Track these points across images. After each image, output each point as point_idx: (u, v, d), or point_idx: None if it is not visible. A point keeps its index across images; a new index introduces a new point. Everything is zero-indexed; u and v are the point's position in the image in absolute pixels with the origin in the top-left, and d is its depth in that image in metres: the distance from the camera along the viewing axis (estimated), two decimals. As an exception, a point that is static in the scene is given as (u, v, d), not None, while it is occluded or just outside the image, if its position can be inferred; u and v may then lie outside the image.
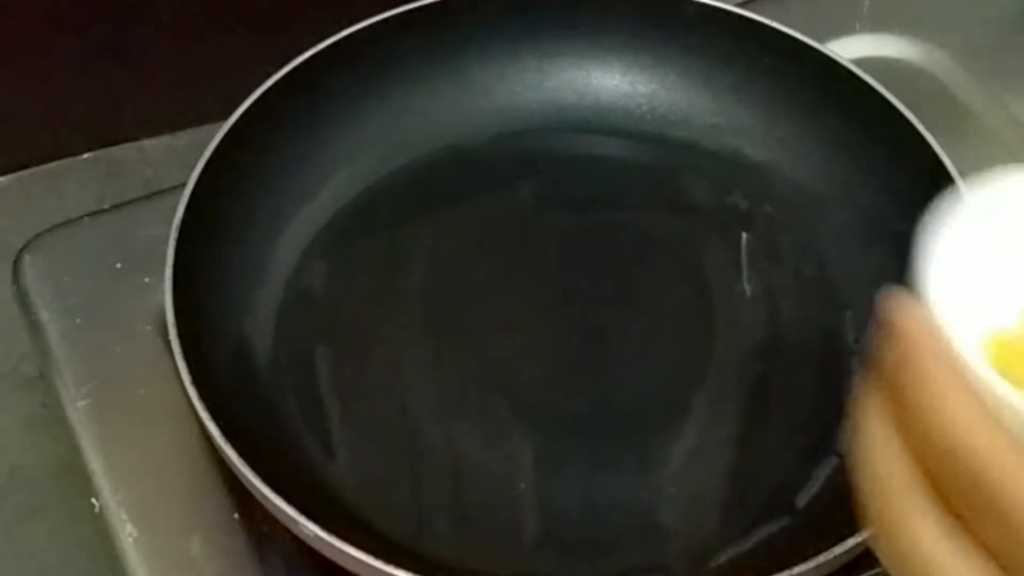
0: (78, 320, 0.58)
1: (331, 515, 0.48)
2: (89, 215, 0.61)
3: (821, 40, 0.61)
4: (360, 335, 0.57)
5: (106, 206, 0.62)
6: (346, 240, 0.60)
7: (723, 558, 0.51)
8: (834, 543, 0.46)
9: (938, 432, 0.31)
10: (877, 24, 0.71)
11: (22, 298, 0.59)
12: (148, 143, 0.68)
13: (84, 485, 0.54)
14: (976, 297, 0.34)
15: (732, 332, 0.57)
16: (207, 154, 0.56)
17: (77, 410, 0.55)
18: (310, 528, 0.46)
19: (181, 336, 0.50)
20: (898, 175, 0.58)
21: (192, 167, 0.55)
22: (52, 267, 0.59)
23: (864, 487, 0.33)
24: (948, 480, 0.31)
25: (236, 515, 0.53)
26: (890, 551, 0.32)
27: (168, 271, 0.52)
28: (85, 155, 0.68)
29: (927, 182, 0.56)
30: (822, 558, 0.46)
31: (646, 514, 0.52)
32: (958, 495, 0.31)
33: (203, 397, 0.49)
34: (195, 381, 0.49)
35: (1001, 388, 0.31)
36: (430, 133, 0.63)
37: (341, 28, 0.60)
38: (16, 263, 0.60)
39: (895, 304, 0.33)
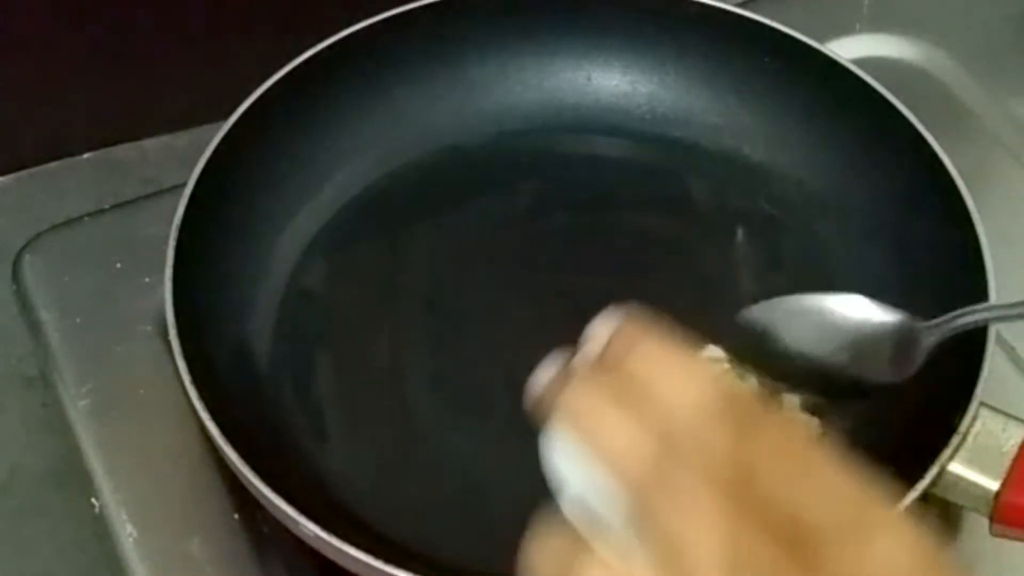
0: (78, 320, 0.58)
1: (331, 515, 0.48)
2: (89, 215, 0.61)
3: (821, 40, 0.61)
4: (360, 335, 0.57)
5: (106, 206, 0.63)
6: (346, 240, 0.60)
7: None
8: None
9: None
10: (877, 24, 0.71)
11: (22, 298, 0.59)
12: (148, 143, 0.68)
13: (84, 485, 0.54)
14: None
15: (732, 332, 0.57)
16: (207, 154, 0.56)
17: (77, 410, 0.55)
18: (310, 528, 0.46)
19: (181, 336, 0.50)
20: (898, 175, 0.58)
21: (192, 167, 0.55)
22: (52, 267, 0.59)
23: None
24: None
25: (236, 515, 0.53)
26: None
27: (168, 271, 0.52)
28: (85, 155, 0.68)
29: (927, 182, 0.56)
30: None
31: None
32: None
33: (203, 397, 0.49)
34: (195, 381, 0.49)
35: None
36: (430, 133, 0.63)
37: (341, 28, 0.60)
38: (16, 263, 0.60)
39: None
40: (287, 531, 0.48)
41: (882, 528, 0.32)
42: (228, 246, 0.56)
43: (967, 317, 0.49)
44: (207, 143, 0.56)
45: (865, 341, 0.50)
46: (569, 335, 0.58)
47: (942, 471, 0.48)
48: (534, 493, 0.53)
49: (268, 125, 0.58)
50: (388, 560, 0.45)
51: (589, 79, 0.64)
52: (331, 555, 0.47)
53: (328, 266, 0.59)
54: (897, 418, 0.53)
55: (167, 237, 0.53)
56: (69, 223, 0.61)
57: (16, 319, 0.59)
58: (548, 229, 0.61)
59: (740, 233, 0.61)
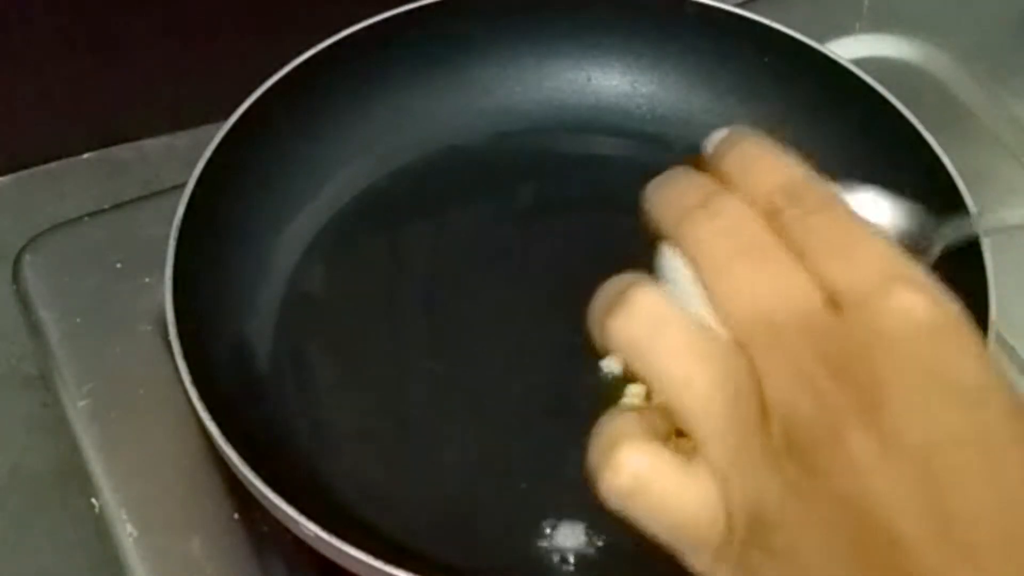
0: (78, 320, 0.58)
1: (331, 515, 0.48)
2: (89, 215, 0.61)
3: (821, 40, 0.61)
4: (360, 335, 0.57)
5: (106, 206, 0.62)
6: (346, 240, 0.60)
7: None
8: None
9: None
10: (877, 24, 0.71)
11: (22, 298, 0.59)
12: (148, 143, 0.68)
13: (84, 485, 0.54)
14: None
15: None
16: (207, 154, 0.56)
17: (77, 410, 0.55)
18: (310, 528, 0.46)
19: (181, 336, 0.50)
20: (898, 175, 0.58)
21: (192, 167, 0.55)
22: (52, 267, 0.59)
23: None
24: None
25: (236, 515, 0.53)
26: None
27: (168, 271, 0.52)
28: (85, 155, 0.68)
29: (927, 182, 0.56)
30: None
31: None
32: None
33: (203, 397, 0.49)
34: (195, 381, 0.49)
35: None
36: (430, 133, 0.63)
37: (341, 28, 0.60)
38: (16, 263, 0.60)
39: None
40: (287, 531, 0.48)
41: (901, 284, 0.33)
42: (228, 246, 0.56)
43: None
44: (207, 143, 0.56)
45: None
46: (569, 334, 0.58)
47: (942, 471, 0.48)
48: (534, 492, 0.53)
49: (268, 125, 0.58)
50: (388, 560, 0.45)
51: (589, 79, 0.64)
52: (331, 555, 0.47)
53: (328, 266, 0.59)
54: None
55: (167, 237, 0.53)
56: (69, 223, 0.61)
57: (16, 319, 0.59)
58: (548, 229, 0.61)
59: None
